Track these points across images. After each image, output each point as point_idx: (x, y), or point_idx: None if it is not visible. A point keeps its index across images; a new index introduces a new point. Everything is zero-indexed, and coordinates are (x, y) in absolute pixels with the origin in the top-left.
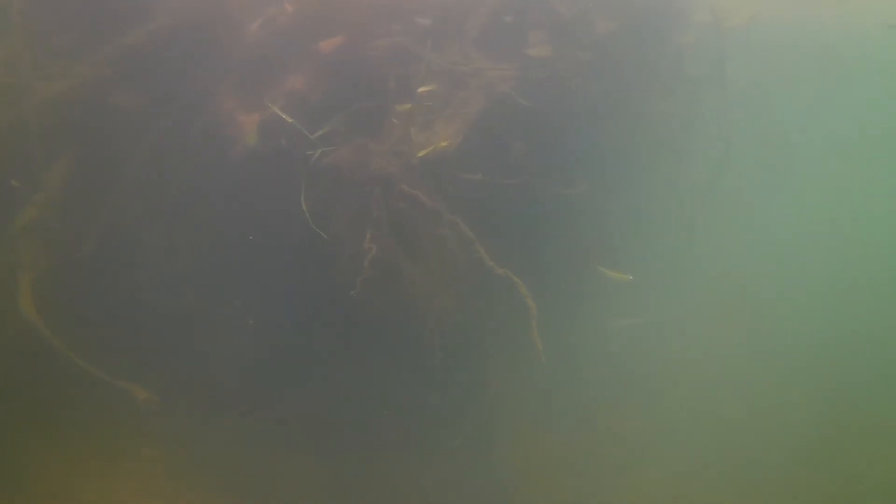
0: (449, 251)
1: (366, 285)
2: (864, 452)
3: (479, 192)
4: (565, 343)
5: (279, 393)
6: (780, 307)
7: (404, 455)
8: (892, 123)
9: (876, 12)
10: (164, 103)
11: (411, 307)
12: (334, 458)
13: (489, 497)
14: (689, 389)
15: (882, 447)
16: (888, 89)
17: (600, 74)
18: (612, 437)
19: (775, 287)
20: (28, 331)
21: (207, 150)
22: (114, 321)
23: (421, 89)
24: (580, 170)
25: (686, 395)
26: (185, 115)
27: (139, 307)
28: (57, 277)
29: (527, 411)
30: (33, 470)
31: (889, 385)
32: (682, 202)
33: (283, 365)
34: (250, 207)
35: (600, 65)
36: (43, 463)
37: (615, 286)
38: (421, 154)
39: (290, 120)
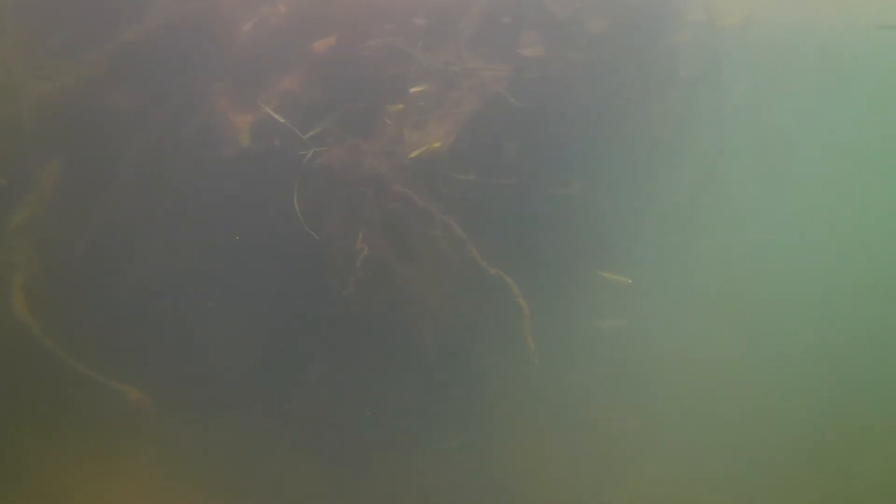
0: (441, 251)
1: (358, 285)
2: (863, 453)
3: (472, 192)
4: (558, 343)
5: (271, 393)
6: (777, 307)
7: (396, 456)
8: (887, 123)
9: (870, 12)
10: (158, 103)
11: (404, 308)
12: (326, 458)
13: (483, 498)
14: (685, 390)
15: (881, 447)
16: (883, 89)
17: (594, 74)
18: (606, 437)
19: (771, 287)
20: (20, 331)
21: (200, 150)
22: (107, 322)
23: (413, 89)
24: (573, 170)
25: (682, 395)
26: (178, 116)
27: (132, 308)
28: (50, 278)
29: (520, 412)
30: (26, 471)
31: (888, 385)
32: (676, 203)
33: (274, 365)
34: (243, 207)
35: (594, 65)
36: (36, 464)
37: (609, 287)
38: (413, 154)
39: (283, 120)
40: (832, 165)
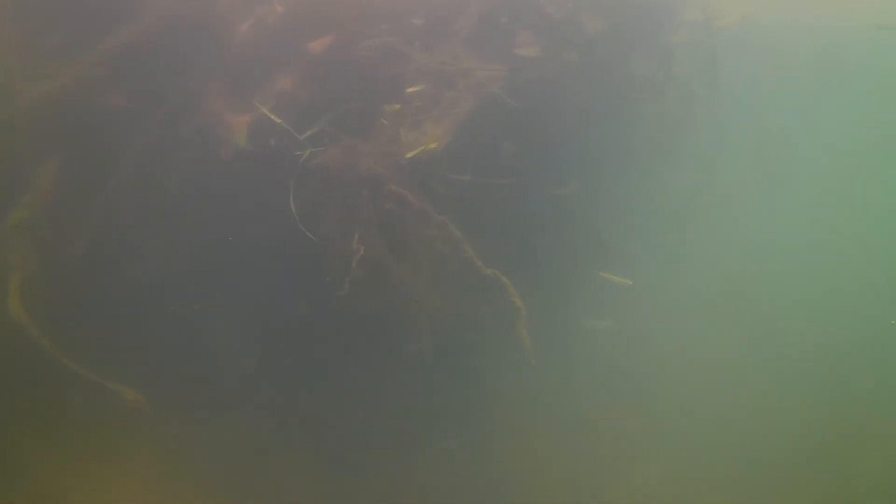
0: (438, 252)
1: (354, 286)
2: (863, 453)
3: (468, 192)
4: (555, 343)
5: (266, 393)
6: (775, 307)
7: (391, 456)
8: (883, 123)
9: (867, 12)
10: (154, 103)
11: (400, 308)
12: (321, 458)
13: (480, 498)
14: (683, 390)
15: (881, 448)
16: (879, 89)
17: (590, 74)
18: (601, 437)
19: (769, 287)
20: (17, 331)
21: (197, 150)
22: (103, 322)
23: (410, 89)
24: (570, 170)
25: (681, 395)
26: (174, 116)
27: (129, 308)
28: (46, 278)
29: (516, 412)
30: (22, 471)
31: (887, 385)
32: (673, 203)
33: (269, 365)
34: (239, 208)
35: (590, 65)
36: (31, 465)
37: (605, 287)
38: (410, 155)
39: (279, 121)
40: (830, 165)
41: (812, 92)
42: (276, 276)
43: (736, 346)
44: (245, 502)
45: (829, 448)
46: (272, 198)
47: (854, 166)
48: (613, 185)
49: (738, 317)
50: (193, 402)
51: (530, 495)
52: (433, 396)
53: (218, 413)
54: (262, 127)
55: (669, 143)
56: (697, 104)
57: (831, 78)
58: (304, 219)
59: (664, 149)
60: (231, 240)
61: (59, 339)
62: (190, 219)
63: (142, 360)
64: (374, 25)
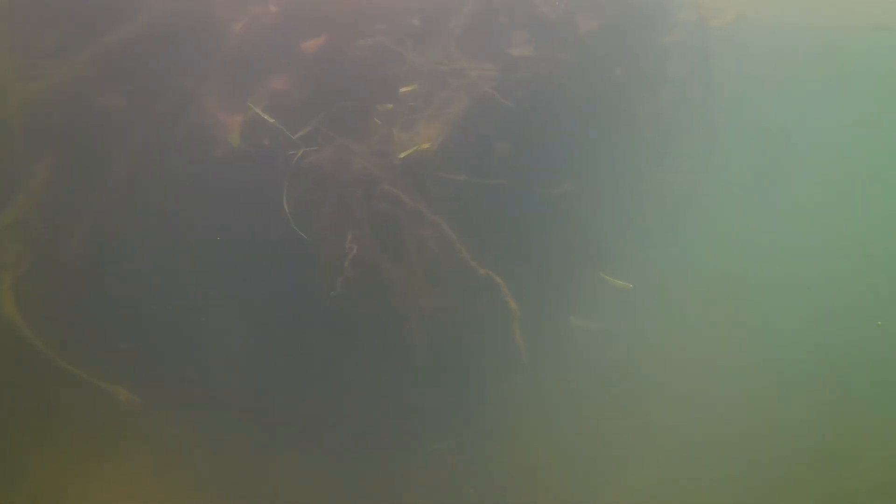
0: (431, 251)
1: (347, 285)
2: (862, 453)
3: (462, 192)
4: (548, 343)
5: (258, 393)
6: (772, 307)
7: (385, 455)
8: (880, 123)
9: (862, 13)
10: (147, 103)
11: (393, 307)
12: (315, 458)
13: (473, 499)
14: (682, 390)
15: (881, 447)
16: (875, 89)
17: (584, 74)
18: (597, 438)
19: (765, 287)
20: (10, 331)
21: (190, 149)
22: (96, 321)
23: (403, 89)
24: (564, 170)
25: (680, 395)
26: (168, 116)
27: (122, 307)
28: (39, 277)
29: (509, 412)
30: (17, 471)
31: (887, 385)
32: (667, 203)
33: (262, 365)
34: (232, 207)
35: (584, 65)
36: (26, 463)
37: (599, 287)
38: (403, 154)
39: (272, 121)
40: (826, 165)
41: (807, 92)
42: (268, 276)
43: (733, 346)
44: (241, 502)
45: (829, 448)
46: (265, 197)
47: (850, 166)
48: (607, 185)
49: (735, 316)
50: (186, 402)
51: (525, 495)
52: (426, 397)
53: (210, 413)
54: (255, 126)
55: (664, 143)
56: (692, 104)
57: (827, 77)
58: (297, 218)
59: (658, 149)
60: (218, 239)
61: (51, 338)
62: (183, 218)
63: (135, 359)
64: (367, 25)
